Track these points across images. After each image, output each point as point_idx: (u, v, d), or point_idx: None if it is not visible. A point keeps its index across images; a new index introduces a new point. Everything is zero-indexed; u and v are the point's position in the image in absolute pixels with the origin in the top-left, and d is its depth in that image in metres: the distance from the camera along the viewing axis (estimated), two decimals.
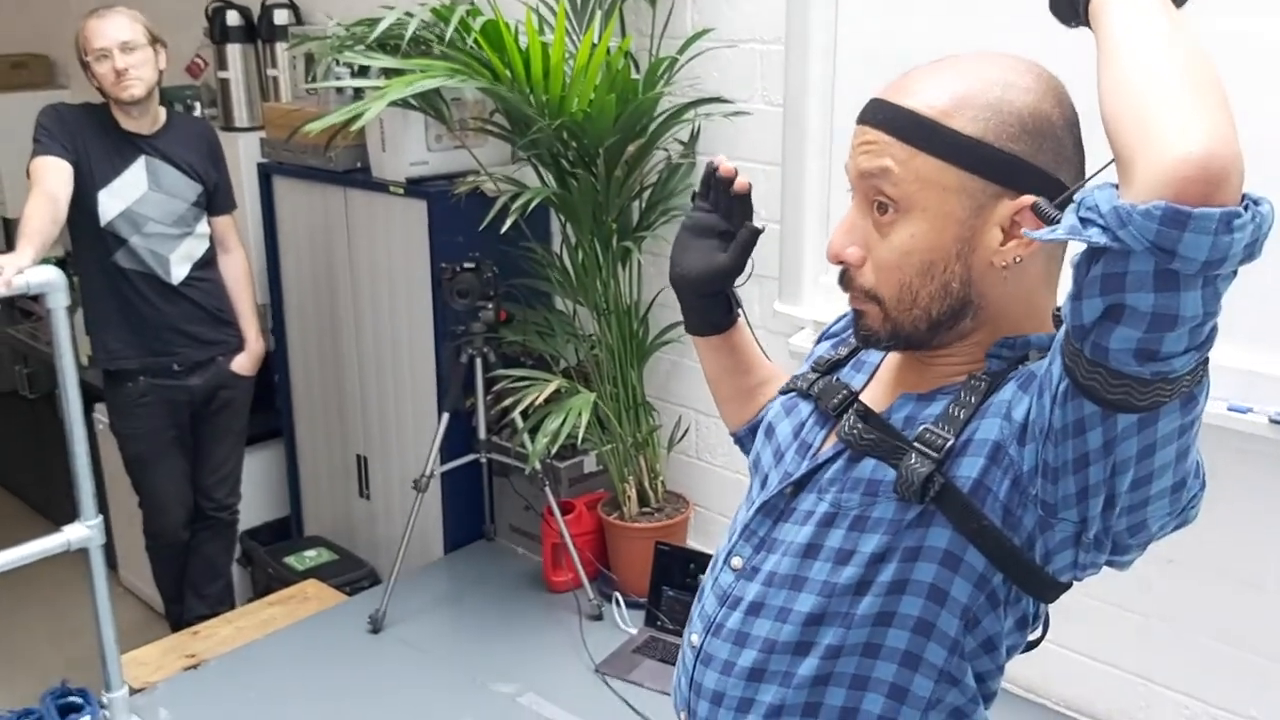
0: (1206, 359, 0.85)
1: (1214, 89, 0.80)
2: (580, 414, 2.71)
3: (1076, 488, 0.92)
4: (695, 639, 1.16)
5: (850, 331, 1.21)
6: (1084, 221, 0.80)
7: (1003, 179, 0.97)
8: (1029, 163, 0.97)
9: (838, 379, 1.17)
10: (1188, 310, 0.79)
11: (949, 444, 0.99)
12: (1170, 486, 0.92)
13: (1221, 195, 0.76)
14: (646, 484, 3.01)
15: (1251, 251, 0.78)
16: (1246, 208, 0.77)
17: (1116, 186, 0.81)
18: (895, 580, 1.02)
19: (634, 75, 2.67)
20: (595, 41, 2.52)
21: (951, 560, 1.01)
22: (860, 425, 1.06)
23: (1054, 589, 1.03)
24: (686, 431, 3.08)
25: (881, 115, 1.00)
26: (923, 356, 1.08)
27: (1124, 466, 0.89)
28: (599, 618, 2.89)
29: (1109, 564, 1.01)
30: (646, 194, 2.86)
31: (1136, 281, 0.79)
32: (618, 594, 2.94)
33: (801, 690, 1.07)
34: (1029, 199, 0.96)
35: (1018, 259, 0.98)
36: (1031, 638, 1.13)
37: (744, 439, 1.41)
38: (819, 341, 1.33)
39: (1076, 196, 0.82)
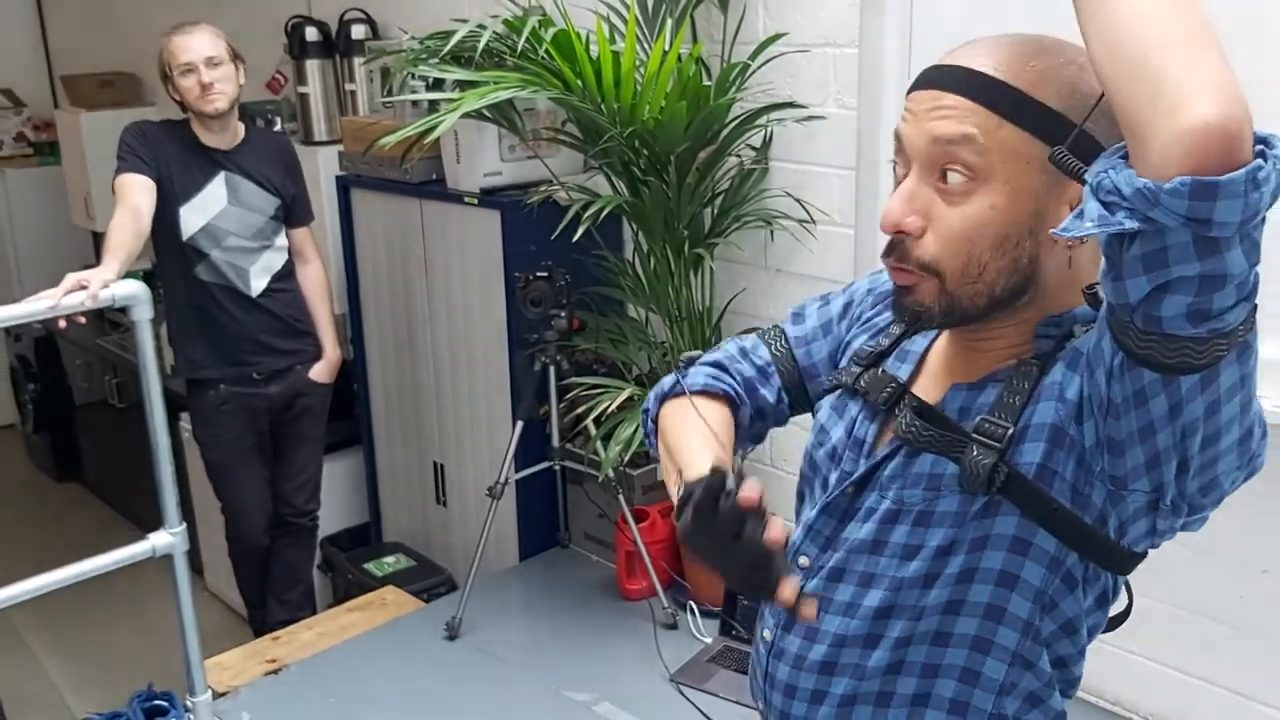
0: (1255, 305, 0.83)
1: (1210, 37, 0.78)
2: None
3: (1145, 456, 0.91)
4: (767, 634, 1.18)
5: (890, 322, 1.18)
6: (1108, 206, 0.79)
7: (1081, 157, 0.93)
8: (1102, 143, 0.93)
9: (884, 371, 1.14)
10: (1234, 268, 0.78)
11: (1009, 432, 0.98)
12: (1238, 439, 0.91)
13: (1241, 154, 0.74)
14: None
15: (1278, 194, 0.77)
16: (1263, 154, 0.75)
17: (1125, 157, 0.79)
18: (963, 570, 1.02)
19: (705, 82, 2.66)
20: (666, 49, 2.51)
21: (1020, 545, 1.00)
22: (918, 422, 1.05)
23: (1131, 560, 1.02)
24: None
25: (963, 81, 0.97)
26: (971, 341, 1.06)
27: (1192, 428, 0.88)
28: (674, 626, 2.88)
29: (1184, 528, 1.00)
30: (718, 200, 2.85)
31: (1178, 255, 0.77)
32: (692, 603, 2.92)
33: (873, 680, 1.08)
34: None
35: (1084, 239, 0.95)
36: (1116, 611, 1.12)
37: None
38: (843, 309, 1.28)
39: (1090, 179, 0.81)
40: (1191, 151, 0.74)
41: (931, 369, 1.13)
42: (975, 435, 1.00)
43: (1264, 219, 0.78)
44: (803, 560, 1.15)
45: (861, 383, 1.15)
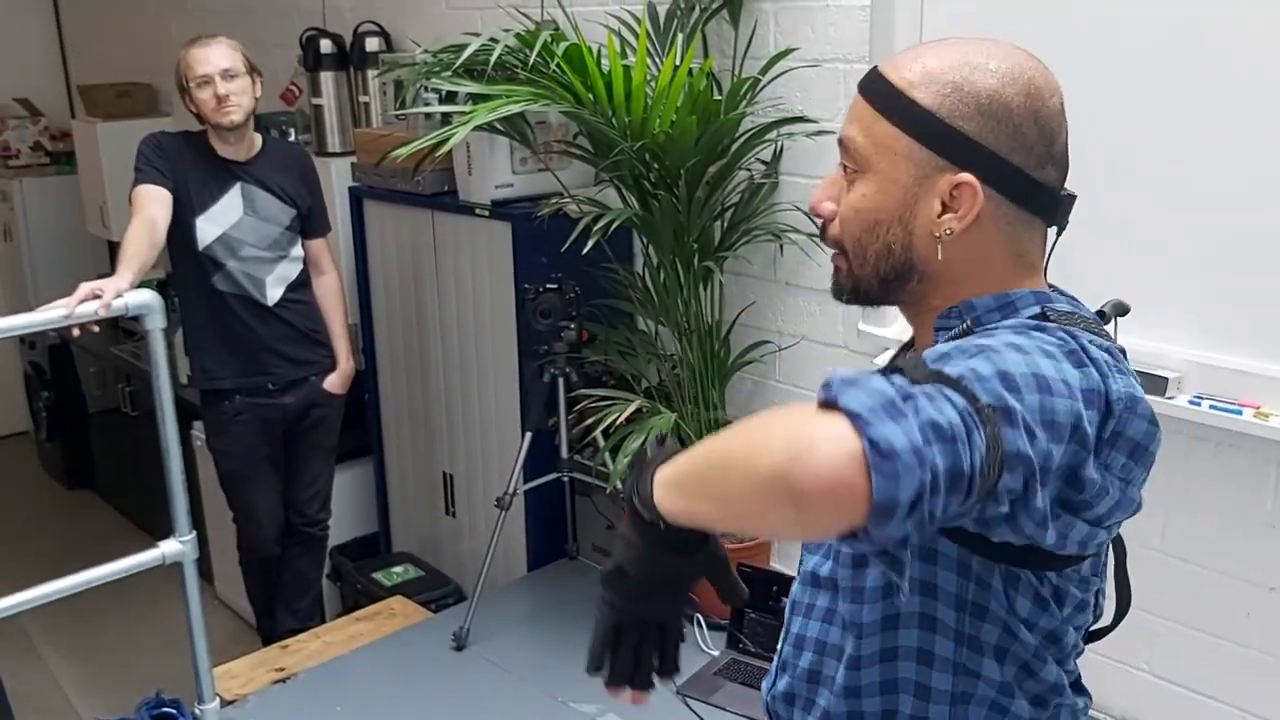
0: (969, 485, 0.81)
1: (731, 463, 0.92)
2: (662, 433, 2.71)
3: None
4: (779, 646, 1.21)
5: None
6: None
7: (946, 152, 1.01)
8: (976, 141, 1.00)
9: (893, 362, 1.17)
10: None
11: None
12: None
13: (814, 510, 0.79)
14: None
15: (929, 499, 0.78)
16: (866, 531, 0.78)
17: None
18: (886, 584, 1.05)
19: (716, 96, 2.68)
20: (677, 63, 2.53)
21: (928, 553, 1.02)
22: None
23: (1048, 558, 0.98)
24: None
25: (865, 82, 1.07)
26: (911, 320, 1.12)
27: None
28: (680, 639, 2.87)
29: (1096, 523, 0.95)
30: (728, 214, 2.86)
31: None
32: (699, 616, 2.92)
33: (841, 699, 1.10)
34: (966, 175, 1.00)
35: (949, 231, 1.02)
36: (1100, 625, 1.11)
37: None
38: None
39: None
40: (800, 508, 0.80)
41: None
42: None
43: (951, 487, 0.78)
44: (803, 568, 1.18)
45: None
